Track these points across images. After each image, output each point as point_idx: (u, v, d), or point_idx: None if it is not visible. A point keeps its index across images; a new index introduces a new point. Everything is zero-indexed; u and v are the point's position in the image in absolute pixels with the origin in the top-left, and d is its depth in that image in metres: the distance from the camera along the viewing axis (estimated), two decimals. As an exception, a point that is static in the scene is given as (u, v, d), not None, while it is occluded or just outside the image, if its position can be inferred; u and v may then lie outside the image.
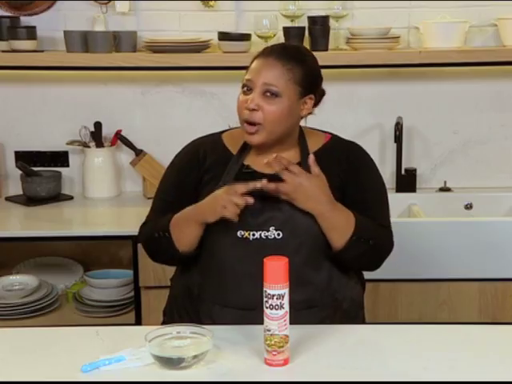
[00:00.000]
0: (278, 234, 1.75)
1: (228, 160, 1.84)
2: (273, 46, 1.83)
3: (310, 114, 1.85)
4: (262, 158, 1.82)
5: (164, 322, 1.94)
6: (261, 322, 1.61)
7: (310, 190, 1.72)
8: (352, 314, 1.84)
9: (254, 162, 1.84)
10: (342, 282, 1.82)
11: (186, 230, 1.78)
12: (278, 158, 1.72)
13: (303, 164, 1.80)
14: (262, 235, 1.75)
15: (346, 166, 1.83)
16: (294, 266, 1.59)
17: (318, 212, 1.73)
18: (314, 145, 1.86)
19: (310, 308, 1.77)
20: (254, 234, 1.76)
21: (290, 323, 1.52)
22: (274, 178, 1.77)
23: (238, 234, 1.76)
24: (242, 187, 1.70)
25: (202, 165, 1.87)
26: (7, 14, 2.93)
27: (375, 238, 1.78)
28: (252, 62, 1.80)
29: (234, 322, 1.74)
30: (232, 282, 1.79)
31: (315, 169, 1.74)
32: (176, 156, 1.96)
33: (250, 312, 1.75)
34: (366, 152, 1.91)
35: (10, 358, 1.59)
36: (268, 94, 1.73)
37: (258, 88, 1.74)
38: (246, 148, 1.85)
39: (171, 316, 1.91)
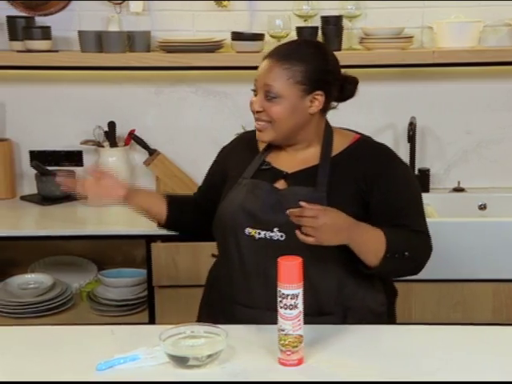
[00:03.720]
0: (282, 236, 1.74)
1: (254, 157, 1.87)
2: (276, 47, 1.83)
3: (332, 108, 1.83)
4: (282, 155, 1.84)
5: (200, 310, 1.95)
6: (269, 322, 1.63)
7: (332, 225, 1.61)
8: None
9: (275, 159, 1.85)
10: (358, 290, 1.77)
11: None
12: (290, 213, 1.62)
13: (321, 164, 1.78)
14: (267, 235, 1.75)
15: (369, 170, 1.77)
16: None
17: (349, 241, 1.66)
18: (339, 145, 1.82)
19: (321, 315, 1.73)
20: (259, 233, 1.76)
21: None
22: (291, 175, 1.79)
23: (246, 231, 1.77)
24: None
25: (229, 160, 1.92)
26: (22, 15, 2.95)
27: (409, 249, 1.72)
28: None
29: (241, 319, 1.74)
30: (239, 280, 1.80)
31: (319, 207, 1.62)
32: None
33: (257, 311, 1.75)
34: (395, 154, 1.84)
35: (26, 356, 1.60)
36: (269, 95, 1.75)
37: (261, 90, 1.76)
38: (270, 146, 1.87)
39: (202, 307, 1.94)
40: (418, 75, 2.99)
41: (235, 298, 1.80)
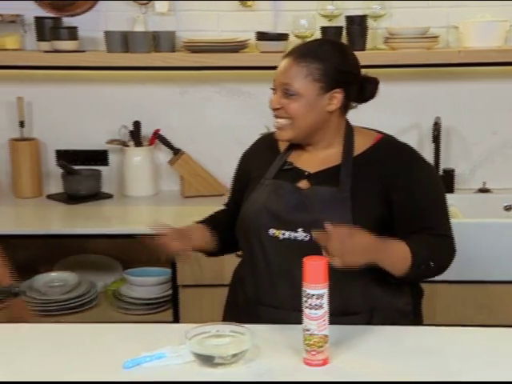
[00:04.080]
0: (306, 236, 1.73)
1: (275, 158, 1.87)
2: (296, 46, 1.84)
3: (352, 108, 1.83)
4: (304, 155, 1.84)
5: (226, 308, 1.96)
6: (294, 322, 1.63)
7: (359, 247, 1.60)
8: (400, 324, 1.77)
9: (297, 159, 1.85)
10: (384, 289, 1.77)
11: None
12: (317, 236, 1.60)
13: (343, 164, 1.79)
14: (291, 235, 1.75)
15: (392, 170, 1.76)
16: None
17: (377, 260, 1.65)
18: (361, 145, 1.82)
19: (347, 315, 1.73)
20: (283, 234, 1.76)
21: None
22: (313, 175, 1.79)
23: (270, 232, 1.77)
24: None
25: (251, 162, 1.92)
26: (50, 15, 2.98)
27: (434, 258, 1.72)
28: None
29: (266, 320, 1.75)
30: (264, 280, 1.80)
31: (345, 230, 1.60)
32: None
33: (282, 311, 1.75)
34: (418, 154, 1.83)
35: (53, 353, 1.62)
36: (287, 93, 1.76)
37: (279, 87, 1.77)
38: (292, 146, 1.87)
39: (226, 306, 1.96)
40: (444, 75, 2.97)
41: (260, 299, 1.80)
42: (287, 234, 1.75)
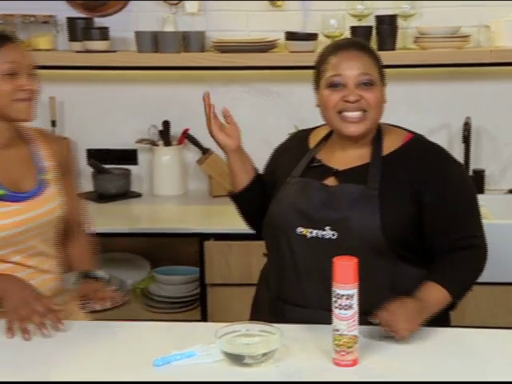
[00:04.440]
0: (333, 235, 1.73)
1: (303, 155, 1.86)
2: (342, 41, 1.85)
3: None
4: (333, 153, 1.83)
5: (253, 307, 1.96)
6: (321, 321, 1.63)
7: (407, 314, 1.62)
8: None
9: (326, 156, 1.84)
10: (411, 291, 1.72)
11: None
12: (376, 316, 1.63)
13: (372, 163, 1.77)
14: (319, 234, 1.74)
15: (420, 172, 1.75)
16: None
17: (426, 318, 1.66)
18: (390, 144, 1.80)
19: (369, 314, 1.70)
20: (311, 232, 1.75)
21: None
22: (341, 172, 1.78)
23: (298, 230, 1.77)
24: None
25: (280, 159, 1.92)
26: (82, 16, 3.01)
27: (471, 281, 1.76)
28: (325, 59, 1.78)
29: (292, 319, 1.74)
30: (291, 279, 1.79)
31: (389, 308, 1.62)
32: None
33: (309, 310, 1.75)
34: (449, 155, 1.81)
35: (85, 350, 1.64)
36: (363, 84, 1.73)
37: (352, 80, 1.73)
38: (321, 144, 1.86)
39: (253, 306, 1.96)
40: (474, 75, 2.95)
41: (286, 298, 1.80)
42: (315, 232, 1.75)
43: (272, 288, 1.86)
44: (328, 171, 1.80)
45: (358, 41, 1.90)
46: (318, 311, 1.71)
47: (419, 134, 1.87)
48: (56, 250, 1.95)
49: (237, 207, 1.98)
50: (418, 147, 1.81)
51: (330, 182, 1.79)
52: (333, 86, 1.75)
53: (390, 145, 1.80)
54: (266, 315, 1.80)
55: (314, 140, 1.89)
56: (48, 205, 1.86)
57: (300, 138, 1.93)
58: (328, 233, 1.73)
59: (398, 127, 1.87)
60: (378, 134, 1.81)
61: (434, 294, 1.69)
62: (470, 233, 1.76)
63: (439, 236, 1.75)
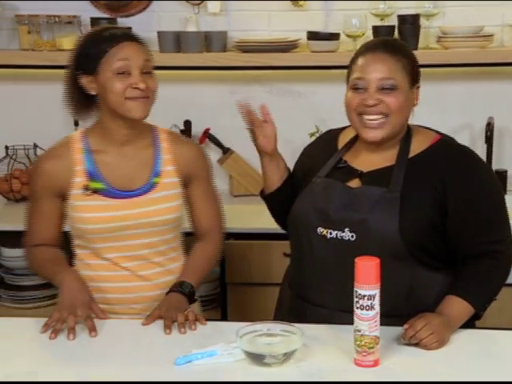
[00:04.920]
0: (352, 236, 1.72)
1: (331, 156, 1.86)
2: (373, 41, 1.84)
3: (416, 105, 1.81)
4: (361, 154, 1.82)
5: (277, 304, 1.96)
6: (339, 322, 1.64)
7: (438, 326, 1.62)
8: None
9: (353, 158, 1.83)
10: (430, 292, 1.74)
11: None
12: (408, 334, 1.63)
13: (397, 165, 1.76)
14: (338, 235, 1.74)
15: (449, 174, 1.73)
16: None
17: (452, 332, 1.67)
18: (417, 146, 1.79)
19: (389, 317, 1.66)
20: (331, 233, 1.75)
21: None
22: (366, 174, 1.78)
23: (318, 230, 1.77)
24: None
25: (308, 159, 1.92)
26: (105, 16, 3.04)
27: (496, 290, 1.76)
28: (355, 59, 1.77)
29: (312, 319, 1.74)
30: (311, 279, 1.80)
31: (415, 326, 1.63)
32: None
33: (328, 311, 1.75)
34: (477, 158, 1.79)
35: (108, 348, 1.65)
36: (385, 88, 1.72)
37: (374, 83, 1.72)
38: (348, 145, 1.86)
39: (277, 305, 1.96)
40: (498, 74, 2.93)
41: (306, 297, 1.81)
42: (334, 233, 1.75)
43: (293, 286, 1.86)
44: (353, 172, 1.80)
45: (388, 41, 1.87)
46: (334, 312, 1.72)
47: (448, 136, 1.85)
48: (164, 259, 1.90)
49: (268, 206, 1.99)
50: (446, 149, 1.79)
51: (354, 183, 1.79)
52: (355, 88, 1.75)
53: (417, 146, 1.79)
54: (287, 314, 1.82)
55: (342, 141, 1.89)
56: (152, 207, 1.84)
57: (329, 139, 1.93)
58: (347, 234, 1.73)
59: (428, 128, 1.86)
60: (406, 135, 1.80)
61: (457, 308, 1.69)
62: (496, 238, 1.74)
63: (465, 240, 1.74)
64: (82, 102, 1.86)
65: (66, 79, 1.86)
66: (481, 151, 2.93)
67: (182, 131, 3.08)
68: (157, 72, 3.01)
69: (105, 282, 1.86)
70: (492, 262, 1.73)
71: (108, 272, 1.86)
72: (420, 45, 2.85)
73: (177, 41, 2.90)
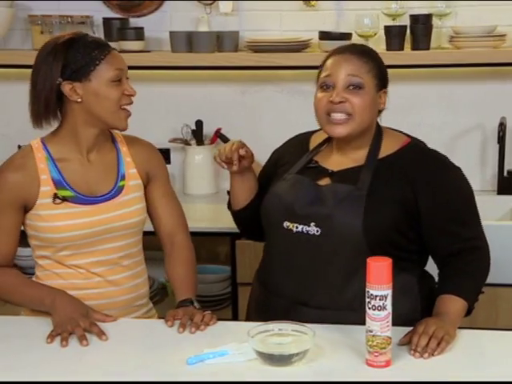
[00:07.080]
0: (317, 231, 1.75)
1: (302, 157, 1.88)
2: (342, 46, 1.86)
3: (383, 109, 1.84)
4: (331, 155, 1.84)
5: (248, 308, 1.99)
6: (296, 315, 1.68)
7: (440, 325, 1.63)
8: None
9: (323, 158, 1.85)
10: (397, 296, 1.67)
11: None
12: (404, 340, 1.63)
13: (366, 164, 1.77)
14: (304, 229, 1.77)
15: (417, 177, 1.75)
16: (331, 268, 1.70)
17: (455, 327, 1.67)
18: (388, 147, 1.81)
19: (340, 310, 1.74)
20: (297, 227, 1.78)
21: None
22: (336, 173, 1.80)
23: (284, 224, 1.79)
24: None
25: (279, 160, 1.94)
26: (117, 16, 3.05)
27: (482, 282, 1.78)
28: (324, 62, 1.82)
29: (282, 313, 1.73)
30: (274, 270, 1.84)
31: (419, 331, 1.62)
32: None
33: (286, 302, 1.78)
34: (447, 161, 1.81)
35: (119, 347, 1.66)
36: (351, 87, 1.75)
37: (341, 82, 1.75)
38: (320, 146, 1.88)
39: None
40: (510, 74, 2.91)
41: (269, 288, 1.85)
42: (300, 227, 1.77)
43: (260, 276, 1.91)
44: (323, 172, 1.83)
45: (356, 45, 1.93)
46: (293, 304, 1.76)
47: (418, 140, 1.88)
48: (132, 262, 1.91)
49: (234, 220, 2.02)
50: (414, 152, 1.82)
51: (324, 182, 1.82)
52: (324, 86, 1.78)
53: (387, 148, 1.82)
54: (254, 304, 1.89)
55: (314, 143, 1.91)
56: (119, 210, 1.85)
57: (301, 140, 1.96)
58: (313, 229, 1.76)
59: (399, 132, 1.89)
60: (377, 137, 1.82)
61: (453, 305, 1.71)
62: (473, 234, 1.78)
63: (443, 241, 1.77)
64: (53, 109, 1.82)
65: (37, 84, 1.81)
66: (493, 151, 2.93)
67: (193, 131, 3.09)
68: (168, 72, 3.05)
69: (77, 289, 1.83)
70: (474, 257, 1.76)
71: (79, 280, 1.84)
72: (432, 45, 2.84)
73: (188, 41, 2.91)
